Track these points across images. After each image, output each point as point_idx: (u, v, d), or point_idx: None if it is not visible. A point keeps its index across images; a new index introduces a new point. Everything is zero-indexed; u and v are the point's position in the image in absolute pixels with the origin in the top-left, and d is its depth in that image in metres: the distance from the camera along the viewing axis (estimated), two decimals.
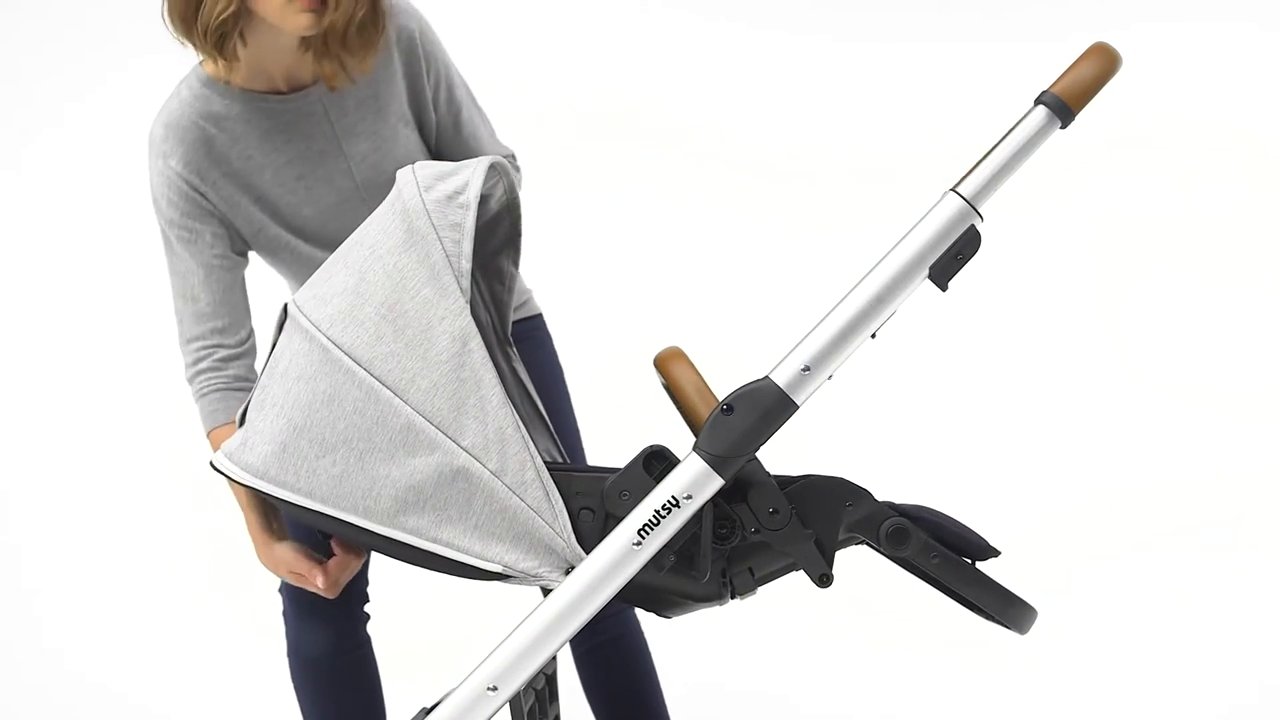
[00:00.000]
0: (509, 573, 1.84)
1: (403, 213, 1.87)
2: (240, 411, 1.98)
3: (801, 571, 1.88)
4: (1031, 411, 4.23)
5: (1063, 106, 1.82)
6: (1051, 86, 1.84)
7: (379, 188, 2.27)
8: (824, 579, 1.86)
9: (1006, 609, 1.88)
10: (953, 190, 1.83)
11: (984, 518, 3.95)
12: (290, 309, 1.93)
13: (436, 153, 2.39)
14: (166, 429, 4.23)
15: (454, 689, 1.86)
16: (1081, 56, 1.85)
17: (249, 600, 3.93)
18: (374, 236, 1.90)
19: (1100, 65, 1.84)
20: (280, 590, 2.44)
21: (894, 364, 3.79)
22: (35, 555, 4.11)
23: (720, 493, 1.84)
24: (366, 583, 2.47)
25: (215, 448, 2.20)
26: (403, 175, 1.92)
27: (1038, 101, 1.84)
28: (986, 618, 1.91)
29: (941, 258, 1.82)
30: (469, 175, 1.90)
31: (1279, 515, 3.89)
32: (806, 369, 1.81)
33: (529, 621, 1.84)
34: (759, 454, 1.85)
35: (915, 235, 1.82)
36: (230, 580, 3.99)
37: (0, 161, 4.51)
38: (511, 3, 4.68)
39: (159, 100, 2.29)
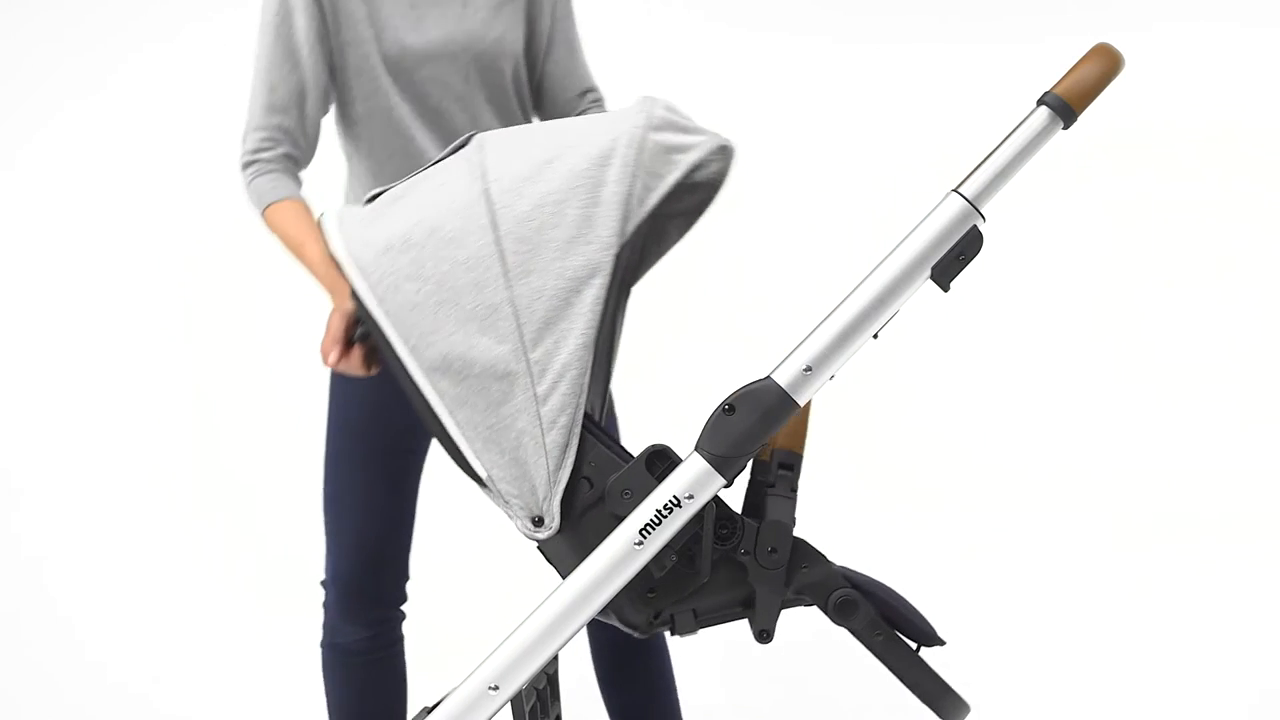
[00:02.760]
0: (489, 485, 1.84)
1: (620, 133, 1.86)
2: (374, 193, 1.98)
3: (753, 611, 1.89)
4: (1033, 410, 4.23)
5: (1065, 107, 1.82)
6: (1054, 87, 1.84)
7: (478, 48, 2.32)
8: (764, 634, 1.87)
9: (940, 700, 1.89)
10: (955, 191, 1.83)
11: (987, 514, 3.95)
12: (478, 139, 1.93)
13: (531, 59, 2.43)
14: (173, 428, 4.24)
15: (455, 688, 1.86)
16: (1084, 57, 1.85)
17: (256, 600, 3.97)
18: (583, 134, 1.89)
19: (1102, 66, 1.84)
20: (323, 584, 2.45)
21: (894, 363, 3.80)
22: (51, 552, 4.11)
23: (744, 508, 1.86)
24: (407, 578, 2.47)
25: (267, 222, 2.25)
26: (645, 103, 1.90)
27: (1040, 102, 1.84)
28: (922, 700, 1.91)
29: (944, 258, 1.82)
30: (697, 143, 1.89)
31: None
32: (808, 369, 1.82)
33: (530, 620, 1.84)
34: (797, 497, 1.87)
35: (917, 236, 1.83)
36: (243, 579, 4.02)
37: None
38: None
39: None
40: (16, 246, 4.39)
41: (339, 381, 2.39)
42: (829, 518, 2.69)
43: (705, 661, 3.26)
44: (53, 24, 4.42)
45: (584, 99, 2.50)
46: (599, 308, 1.82)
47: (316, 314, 4.30)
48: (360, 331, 2.09)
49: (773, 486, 1.88)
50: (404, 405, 1.89)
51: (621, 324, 2.17)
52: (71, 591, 4.01)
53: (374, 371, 2.10)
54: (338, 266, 1.89)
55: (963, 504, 4.05)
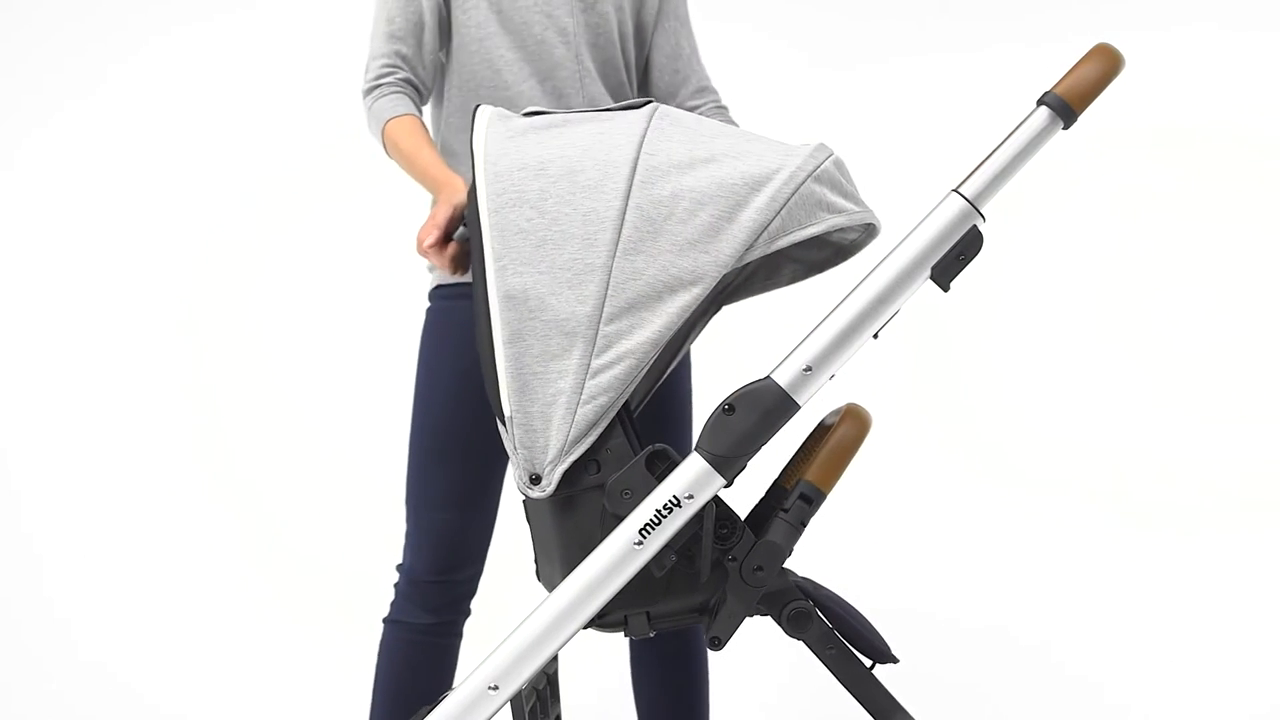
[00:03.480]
0: (507, 426, 1.84)
1: (783, 167, 1.86)
2: (533, 109, 2.01)
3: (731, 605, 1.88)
4: (1038, 409, 4.22)
5: (1065, 107, 1.83)
6: (1054, 87, 1.84)
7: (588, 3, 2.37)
8: (716, 641, 1.87)
9: (891, 716, 1.89)
10: (955, 191, 1.83)
11: (985, 511, 3.94)
12: (654, 107, 1.94)
13: (640, 26, 2.46)
14: (180, 425, 4.23)
15: (455, 688, 1.86)
16: (1084, 57, 1.85)
17: (261, 601, 3.97)
18: (749, 151, 1.89)
19: (1103, 66, 1.84)
20: (398, 568, 2.45)
21: (898, 361, 3.79)
22: (51, 552, 4.10)
23: (748, 521, 1.86)
24: (480, 574, 2.47)
25: (385, 139, 2.30)
26: (819, 150, 1.90)
27: (1040, 102, 1.84)
28: (873, 715, 1.91)
29: (944, 258, 1.82)
30: (849, 210, 1.89)
31: None
32: (808, 369, 1.82)
33: (530, 620, 1.84)
34: (803, 532, 1.86)
35: (917, 235, 1.83)
36: (246, 580, 4.01)
37: None
38: None
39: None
40: (17, 246, 4.39)
41: (425, 380, 2.39)
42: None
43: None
44: (52, 22, 4.42)
45: (699, 93, 2.52)
46: (685, 314, 1.83)
47: (320, 310, 4.30)
48: (461, 232, 2.09)
49: (785, 511, 1.86)
50: (490, 408, 1.89)
51: (697, 335, 2.18)
52: (71, 591, 4.01)
53: (460, 274, 2.11)
54: (471, 160, 1.90)
55: (952, 502, 4.06)
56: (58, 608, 3.97)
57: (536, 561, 2.01)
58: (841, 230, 1.97)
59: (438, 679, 2.43)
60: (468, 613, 2.47)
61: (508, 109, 2.30)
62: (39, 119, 4.38)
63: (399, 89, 2.34)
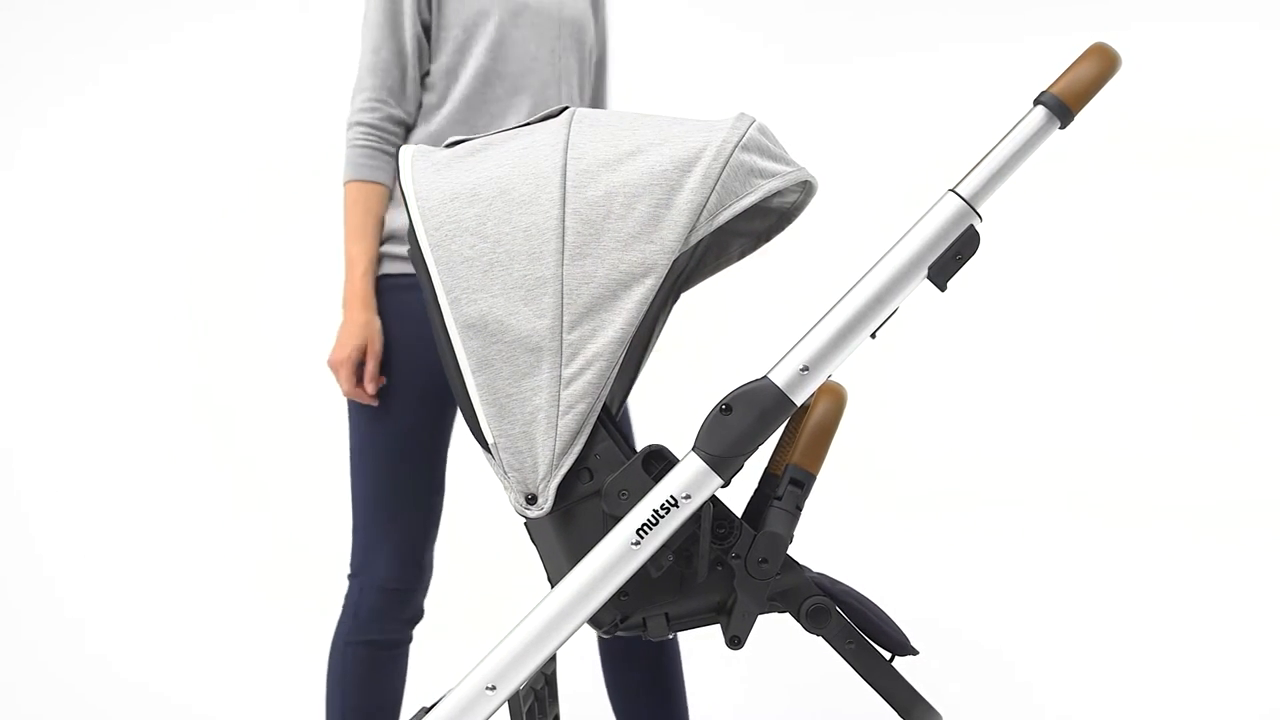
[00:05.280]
0: (492, 451, 1.84)
1: (709, 144, 1.86)
2: (454, 140, 2.00)
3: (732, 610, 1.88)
4: (1023, 408, 4.23)
5: (1062, 107, 1.83)
6: (1050, 87, 1.84)
7: (565, 13, 2.42)
8: (735, 640, 1.87)
9: (911, 709, 1.89)
10: (952, 191, 1.84)
11: (984, 510, 3.94)
12: (571, 112, 1.94)
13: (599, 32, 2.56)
14: (182, 425, 4.24)
15: (452, 688, 1.86)
16: (1080, 57, 1.85)
17: (261, 598, 3.98)
18: (673, 134, 1.89)
19: (1099, 66, 1.84)
20: (356, 583, 2.45)
21: (896, 362, 3.79)
22: (60, 553, 4.11)
23: (745, 515, 1.86)
24: (430, 575, 2.48)
25: (347, 197, 2.30)
26: (740, 120, 1.90)
27: (1037, 102, 1.84)
28: (894, 708, 1.92)
29: (941, 258, 1.83)
30: (781, 172, 1.90)
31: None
32: (805, 369, 1.82)
33: (528, 620, 1.84)
34: (800, 516, 1.86)
35: (914, 235, 1.83)
36: (247, 578, 4.02)
37: None
38: None
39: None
40: (15, 246, 4.40)
41: (386, 384, 2.40)
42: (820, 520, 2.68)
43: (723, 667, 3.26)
44: (53, 20, 4.43)
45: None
46: (644, 307, 1.83)
47: (322, 307, 4.31)
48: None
49: (779, 499, 1.87)
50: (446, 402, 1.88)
51: (662, 327, 2.19)
52: (77, 591, 4.02)
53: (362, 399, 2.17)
54: (404, 202, 1.90)
55: (952, 505, 4.06)
56: (66, 607, 3.99)
57: (550, 582, 2.01)
58: (780, 194, 1.98)
59: (388, 690, 2.45)
60: (419, 616, 2.48)
61: (485, 109, 2.34)
62: (36, 118, 4.40)
63: (375, 139, 2.35)
